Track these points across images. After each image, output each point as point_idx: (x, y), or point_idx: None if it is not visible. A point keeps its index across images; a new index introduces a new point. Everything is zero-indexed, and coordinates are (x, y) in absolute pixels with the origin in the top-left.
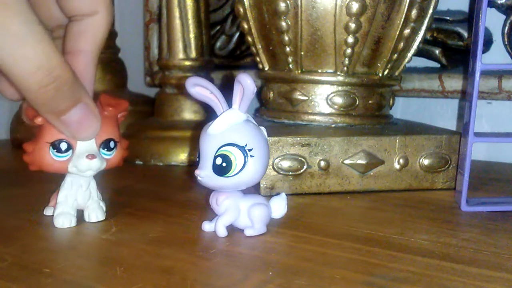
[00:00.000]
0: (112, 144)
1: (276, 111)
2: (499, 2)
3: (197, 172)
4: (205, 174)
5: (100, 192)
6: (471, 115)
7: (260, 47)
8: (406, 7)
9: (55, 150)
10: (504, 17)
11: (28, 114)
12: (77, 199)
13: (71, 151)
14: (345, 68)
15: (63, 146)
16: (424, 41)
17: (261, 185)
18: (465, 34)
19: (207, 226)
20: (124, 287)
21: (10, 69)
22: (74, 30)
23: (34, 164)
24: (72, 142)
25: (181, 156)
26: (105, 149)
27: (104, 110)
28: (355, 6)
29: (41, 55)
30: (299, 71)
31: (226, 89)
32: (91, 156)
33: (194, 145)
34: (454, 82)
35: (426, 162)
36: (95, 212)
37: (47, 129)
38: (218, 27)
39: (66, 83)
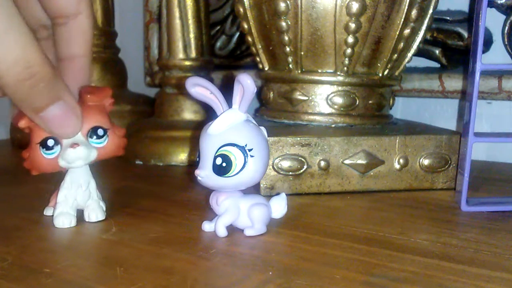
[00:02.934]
0: (100, 131)
1: (276, 111)
2: (499, 2)
3: (197, 172)
4: (205, 174)
5: (100, 192)
6: (471, 115)
7: (260, 47)
8: (406, 7)
9: (44, 149)
10: (504, 17)
11: (14, 122)
12: (77, 199)
13: (58, 146)
14: (345, 68)
15: (50, 142)
16: (424, 41)
17: (261, 185)
18: (465, 34)
19: (207, 226)
20: (124, 287)
21: None
22: (63, 35)
23: (33, 168)
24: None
25: (181, 156)
26: (94, 137)
27: (86, 100)
28: (355, 6)
29: (20, 50)
30: (299, 71)
31: (226, 89)
32: (75, 145)
33: (194, 145)
34: (454, 82)
35: (426, 162)
36: (95, 212)
37: (34, 130)
38: (218, 27)
39: (43, 80)
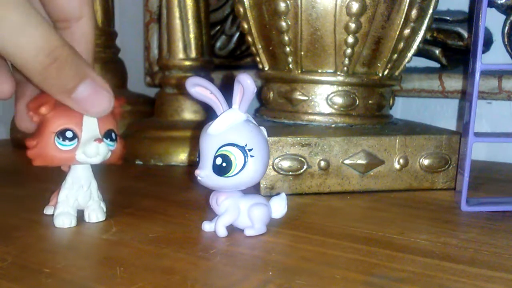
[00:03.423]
0: (113, 135)
1: (276, 111)
2: (499, 2)
3: (197, 172)
4: (205, 174)
5: (100, 192)
6: (471, 115)
7: (260, 47)
8: (406, 7)
9: (61, 139)
10: (504, 17)
11: (31, 107)
12: (78, 199)
13: (76, 139)
14: (345, 68)
15: (69, 134)
16: (424, 41)
17: (261, 185)
18: (465, 34)
19: (207, 226)
20: (124, 287)
21: (14, 57)
22: (66, 39)
23: (39, 157)
24: (77, 130)
25: (181, 156)
26: (108, 139)
27: None
28: (355, 6)
29: (40, 39)
30: (299, 71)
31: (226, 89)
32: (99, 140)
33: (194, 145)
34: (454, 82)
35: (426, 162)
36: (96, 213)
37: (51, 119)
38: (218, 27)
39: (67, 61)
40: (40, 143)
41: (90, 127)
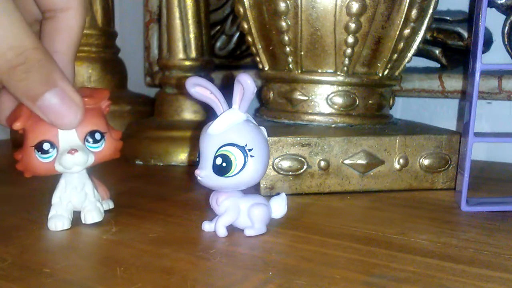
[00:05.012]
0: (98, 135)
1: (276, 111)
2: (499, 2)
3: (197, 172)
4: (205, 174)
5: (106, 191)
6: (471, 115)
7: (260, 47)
8: (406, 7)
9: (40, 152)
10: (504, 17)
11: (9, 122)
12: (72, 201)
13: (55, 150)
14: (345, 68)
15: (46, 146)
16: (424, 41)
17: (261, 185)
18: (465, 34)
19: (207, 226)
20: (124, 287)
21: None
22: (48, 29)
23: (26, 170)
24: (54, 140)
25: (181, 156)
26: (91, 142)
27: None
28: (355, 6)
29: (13, 37)
30: (299, 71)
31: (226, 89)
32: (73, 151)
33: (194, 145)
34: (454, 82)
35: (426, 162)
36: (91, 214)
37: (28, 132)
38: (218, 27)
39: (37, 65)
40: (24, 156)
41: (68, 135)
